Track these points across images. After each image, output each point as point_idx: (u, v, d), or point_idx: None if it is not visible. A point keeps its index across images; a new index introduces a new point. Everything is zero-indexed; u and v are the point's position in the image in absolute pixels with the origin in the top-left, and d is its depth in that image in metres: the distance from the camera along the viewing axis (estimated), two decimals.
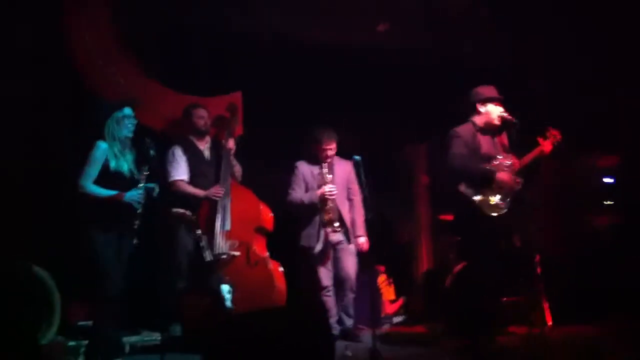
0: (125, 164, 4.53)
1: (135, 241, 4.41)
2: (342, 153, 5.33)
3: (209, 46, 5.84)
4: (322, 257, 5.15)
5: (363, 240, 5.24)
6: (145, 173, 4.50)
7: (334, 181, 5.16)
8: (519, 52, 6.46)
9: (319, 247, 5.14)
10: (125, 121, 4.56)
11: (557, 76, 6.50)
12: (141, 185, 4.46)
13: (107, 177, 4.45)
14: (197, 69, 5.77)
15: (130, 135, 4.57)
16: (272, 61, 6.05)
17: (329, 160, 5.18)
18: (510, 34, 6.35)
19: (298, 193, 5.20)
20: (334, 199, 5.13)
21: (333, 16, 6.18)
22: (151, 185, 4.52)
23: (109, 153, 4.48)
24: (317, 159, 5.21)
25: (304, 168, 5.25)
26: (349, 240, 5.20)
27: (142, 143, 4.52)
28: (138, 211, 4.42)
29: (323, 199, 5.10)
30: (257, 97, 5.70)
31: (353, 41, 6.37)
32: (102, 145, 4.49)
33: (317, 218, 5.15)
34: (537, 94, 6.53)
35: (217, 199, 4.98)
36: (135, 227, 4.41)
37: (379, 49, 6.43)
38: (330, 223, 5.09)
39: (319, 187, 5.16)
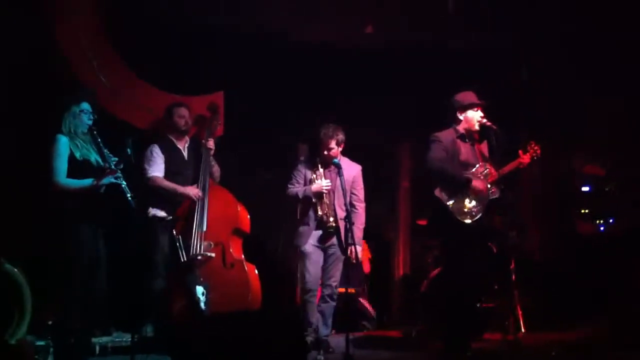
0: (90, 155, 4.53)
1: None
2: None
3: (193, 44, 5.80)
4: (311, 259, 5.04)
5: (358, 249, 4.98)
6: (114, 161, 4.48)
7: (336, 182, 5.01)
8: (506, 54, 6.47)
9: (309, 247, 5.04)
10: (83, 115, 4.54)
11: (541, 82, 6.53)
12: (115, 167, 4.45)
13: (76, 168, 4.44)
14: (182, 68, 5.73)
15: (87, 129, 4.53)
16: (256, 61, 6.03)
17: (333, 158, 5.03)
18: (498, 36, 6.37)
19: (296, 187, 5.12)
20: (329, 196, 5.03)
21: (316, 15, 6.16)
22: (119, 175, 4.48)
23: (71, 145, 4.47)
24: (322, 157, 5.10)
25: (306, 164, 5.19)
26: (341, 247, 5.04)
27: (120, 141, 4.50)
28: (123, 184, 4.41)
29: (318, 195, 5.03)
30: (240, 98, 5.68)
31: (338, 42, 6.35)
32: (62, 139, 4.47)
33: (312, 217, 5.06)
34: (520, 100, 6.55)
35: (195, 199, 4.95)
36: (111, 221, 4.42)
37: (364, 50, 6.43)
38: (323, 219, 5.01)
39: (311, 182, 5.07)
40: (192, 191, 4.99)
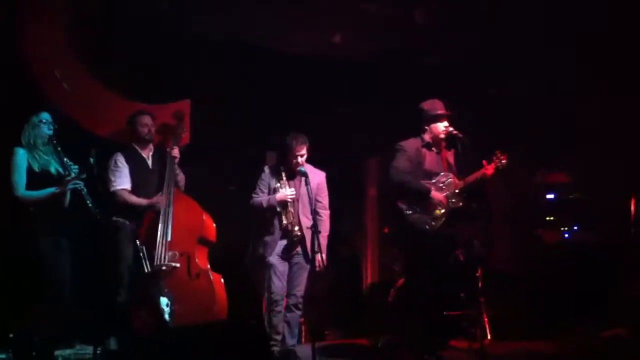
0: (50, 165, 4.48)
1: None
2: None
3: (160, 52, 5.76)
4: (276, 268, 4.99)
5: (318, 257, 4.90)
6: (75, 170, 4.44)
7: (300, 190, 5.03)
8: (473, 64, 6.54)
9: (274, 258, 4.99)
10: (42, 126, 4.49)
11: (508, 91, 6.61)
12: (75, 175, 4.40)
13: (35, 179, 4.39)
14: (148, 76, 5.68)
15: (47, 140, 4.48)
16: (225, 69, 6.01)
17: (299, 167, 5.02)
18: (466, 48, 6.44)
19: (260, 197, 5.08)
20: (293, 204, 5.00)
21: (288, 26, 6.17)
22: (79, 182, 4.43)
23: (29, 157, 4.42)
24: (288, 166, 5.07)
25: (270, 173, 5.14)
26: (306, 256, 5.03)
27: (83, 151, 4.45)
28: (84, 191, 4.37)
29: (283, 204, 5.00)
30: (207, 106, 5.65)
31: (307, 51, 6.37)
32: (20, 151, 4.42)
33: (277, 227, 5.02)
34: (490, 109, 6.62)
35: (160, 208, 4.90)
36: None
37: (334, 60, 6.45)
38: (288, 228, 4.98)
39: (275, 191, 5.03)
40: (155, 200, 4.94)
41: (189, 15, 5.86)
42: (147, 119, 5.12)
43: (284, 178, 5.05)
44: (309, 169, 5.06)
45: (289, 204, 5.00)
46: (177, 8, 5.79)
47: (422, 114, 5.00)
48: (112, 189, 4.93)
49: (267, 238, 5.04)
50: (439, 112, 4.95)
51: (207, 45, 5.98)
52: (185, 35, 5.89)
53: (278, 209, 5.00)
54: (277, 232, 5.02)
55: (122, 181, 4.96)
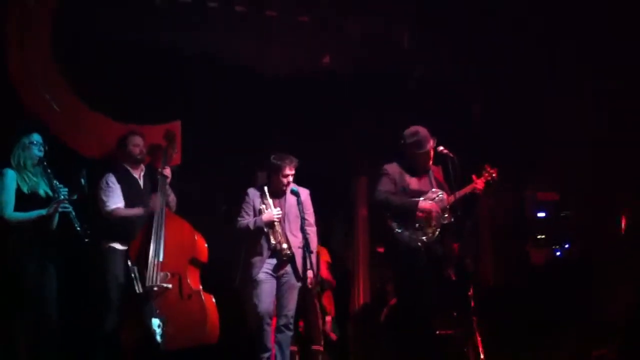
0: (39, 187, 4.45)
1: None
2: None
3: (150, 73, 5.76)
4: (265, 288, 4.97)
5: (309, 274, 5.02)
6: (65, 192, 4.41)
7: (286, 208, 5.05)
8: (463, 83, 6.59)
9: (262, 275, 4.97)
10: (32, 147, 4.47)
11: (498, 107, 6.65)
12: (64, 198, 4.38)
13: (24, 201, 4.37)
14: (138, 97, 5.69)
15: (37, 161, 4.46)
16: (213, 91, 6.03)
17: (286, 187, 5.06)
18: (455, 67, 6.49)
19: (246, 219, 5.07)
20: (280, 223, 5.00)
21: (276, 46, 6.21)
22: (68, 205, 4.40)
23: (18, 178, 4.40)
24: (275, 186, 5.08)
25: (254, 194, 5.13)
26: (296, 274, 5.02)
27: (73, 171, 4.43)
28: (72, 215, 4.35)
29: (270, 224, 4.99)
30: (197, 127, 5.65)
31: (296, 71, 6.40)
32: (9, 172, 4.40)
33: (265, 247, 5.01)
34: (477, 126, 6.66)
35: (156, 210, 4.88)
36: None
37: (324, 80, 6.49)
38: (277, 248, 4.97)
39: (260, 212, 5.03)
40: (152, 203, 4.93)
41: (175, 37, 5.89)
42: (138, 140, 5.11)
43: (269, 198, 5.05)
44: (292, 186, 5.08)
45: (275, 223, 4.99)
46: (163, 29, 5.83)
47: (406, 145, 4.92)
48: (107, 209, 4.91)
49: (255, 259, 5.03)
50: (427, 148, 4.86)
51: (195, 65, 5.99)
52: (174, 57, 5.90)
53: (265, 230, 4.99)
54: (266, 253, 5.01)
55: (115, 201, 4.94)
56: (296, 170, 5.06)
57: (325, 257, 6.31)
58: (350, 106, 6.52)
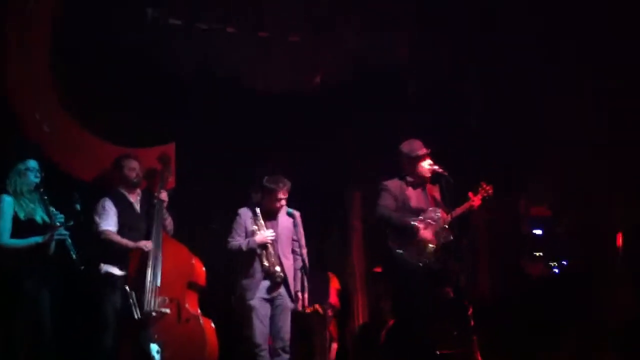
0: (36, 213, 4.44)
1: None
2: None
3: (143, 96, 5.75)
4: (258, 312, 4.95)
5: (305, 296, 4.97)
6: (61, 219, 4.39)
7: (278, 230, 5.04)
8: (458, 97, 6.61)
9: (256, 301, 4.95)
10: (29, 174, 4.46)
11: (491, 122, 6.68)
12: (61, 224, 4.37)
13: (20, 227, 4.36)
14: (130, 120, 5.66)
15: (33, 188, 4.45)
16: (207, 111, 6.01)
17: (279, 209, 5.07)
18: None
19: (237, 240, 5.05)
20: (273, 245, 4.99)
21: (269, 64, 6.21)
22: (64, 232, 4.38)
23: (15, 205, 4.39)
24: (267, 208, 5.08)
25: (245, 215, 5.11)
26: (290, 296, 5.02)
27: (68, 197, 4.41)
28: (68, 242, 4.34)
29: (263, 245, 4.97)
30: (191, 149, 5.64)
31: (288, 88, 6.40)
32: (7, 198, 4.40)
33: (257, 269, 4.99)
34: (471, 142, 6.68)
35: (145, 250, 4.85)
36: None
37: (315, 96, 6.50)
38: (270, 270, 4.95)
39: (253, 233, 5.01)
40: (142, 243, 4.89)
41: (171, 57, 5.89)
42: (134, 163, 5.09)
43: (261, 220, 5.04)
44: (285, 209, 5.09)
45: (268, 245, 4.99)
46: (158, 49, 5.82)
47: (402, 157, 5.01)
48: (98, 229, 4.87)
49: (247, 281, 5.01)
50: (420, 152, 4.96)
51: (190, 86, 5.99)
52: (170, 78, 5.89)
53: (258, 251, 4.98)
54: (259, 274, 4.99)
55: (108, 223, 4.90)
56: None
57: (335, 284, 6.31)
58: (343, 121, 6.52)
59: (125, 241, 4.89)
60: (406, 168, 5.01)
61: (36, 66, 5.39)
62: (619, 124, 5.97)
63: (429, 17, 6.22)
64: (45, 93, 5.40)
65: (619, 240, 5.77)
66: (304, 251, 5.06)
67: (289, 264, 5.02)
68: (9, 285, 4.31)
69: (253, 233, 5.01)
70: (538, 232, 6.42)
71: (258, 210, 5.06)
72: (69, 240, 4.39)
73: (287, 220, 5.06)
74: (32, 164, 4.49)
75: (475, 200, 5.00)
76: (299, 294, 4.97)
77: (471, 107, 6.62)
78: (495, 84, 6.38)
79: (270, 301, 5.00)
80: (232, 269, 5.20)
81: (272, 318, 5.00)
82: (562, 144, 6.23)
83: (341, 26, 6.22)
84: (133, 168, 5.07)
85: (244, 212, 5.13)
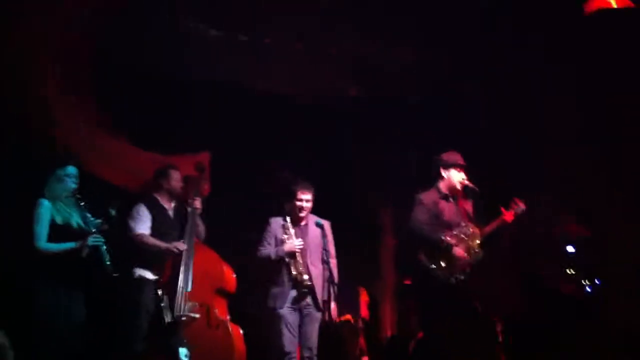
0: (72, 218, 4.52)
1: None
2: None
3: (177, 104, 5.87)
4: (287, 321, 4.97)
5: (332, 306, 4.98)
6: (97, 225, 4.48)
7: (307, 239, 5.06)
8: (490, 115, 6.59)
9: (285, 310, 4.97)
10: (67, 179, 4.54)
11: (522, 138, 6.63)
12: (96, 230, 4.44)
13: (57, 232, 4.43)
14: (165, 127, 5.79)
15: (70, 193, 4.53)
16: (242, 122, 6.11)
17: (303, 214, 5.09)
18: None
19: (267, 249, 5.09)
20: (302, 254, 5.01)
21: (305, 77, 6.28)
22: (100, 239, 4.46)
23: (53, 209, 4.47)
24: (292, 213, 5.11)
25: (276, 224, 5.16)
26: (317, 306, 5.01)
27: (105, 202, 4.51)
28: (103, 248, 4.39)
29: (291, 254, 5.00)
30: (224, 158, 5.73)
31: (325, 103, 6.46)
32: (45, 203, 4.47)
33: (286, 278, 5.02)
34: (503, 158, 6.64)
35: (177, 252, 4.91)
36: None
37: (350, 110, 6.54)
38: (298, 279, 4.97)
39: (282, 242, 5.04)
40: (176, 244, 4.94)
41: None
42: (179, 175, 5.18)
43: (291, 229, 5.08)
44: (313, 218, 5.11)
45: (297, 254, 5.01)
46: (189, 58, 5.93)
47: (439, 162, 5.08)
48: (132, 232, 4.95)
49: (276, 290, 5.04)
50: (457, 161, 5.03)
51: (224, 96, 6.09)
52: (200, 88, 6.01)
53: (286, 260, 5.01)
54: (287, 283, 5.01)
55: (142, 227, 4.98)
56: (315, 197, 5.09)
57: (365, 297, 6.34)
58: (376, 135, 6.55)
59: (158, 242, 4.95)
60: (439, 175, 5.04)
61: (76, 77, 5.53)
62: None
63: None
64: (84, 103, 5.55)
65: None
66: (333, 261, 5.07)
67: (317, 273, 5.01)
68: (40, 293, 4.37)
69: (282, 242, 5.05)
70: (570, 249, 6.33)
71: (288, 219, 5.10)
72: (104, 247, 4.46)
73: (316, 230, 5.07)
74: (71, 170, 4.58)
75: (508, 215, 4.98)
76: (331, 304, 4.96)
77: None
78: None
79: (299, 310, 5.02)
80: (262, 277, 5.25)
81: (300, 327, 5.01)
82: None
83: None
84: (179, 179, 5.17)
85: (275, 222, 5.17)
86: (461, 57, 6.20)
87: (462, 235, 4.90)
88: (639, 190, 5.76)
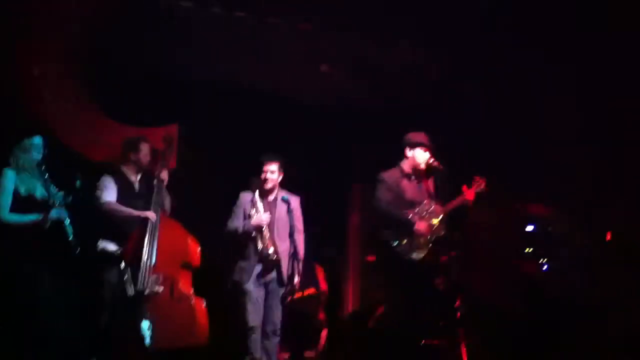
0: (36, 189, 4.50)
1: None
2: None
3: (148, 78, 5.84)
4: (252, 295, 5.02)
5: (297, 280, 5.01)
6: (60, 197, 4.47)
7: (275, 214, 5.09)
8: (456, 96, 6.65)
9: (250, 285, 5.02)
10: (33, 150, 4.53)
11: (489, 120, 6.72)
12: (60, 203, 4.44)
13: (19, 203, 4.42)
14: (135, 100, 5.76)
15: (35, 164, 4.51)
16: (213, 100, 6.11)
17: (268, 185, 5.12)
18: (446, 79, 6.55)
19: (235, 223, 5.12)
20: (269, 229, 5.05)
21: (273, 60, 6.26)
22: (63, 213, 4.45)
23: (17, 179, 4.45)
24: (260, 187, 5.13)
25: (245, 198, 5.19)
26: (281, 281, 5.06)
27: (70, 174, 4.50)
28: (67, 222, 4.40)
29: (258, 228, 5.04)
30: (193, 132, 5.73)
31: (292, 84, 6.47)
32: (9, 172, 4.45)
33: (252, 252, 5.06)
34: (469, 139, 6.72)
35: (153, 221, 4.92)
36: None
37: (316, 91, 6.56)
38: (263, 252, 5.01)
39: (250, 216, 5.07)
40: (147, 213, 4.95)
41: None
42: (148, 147, 5.17)
43: (259, 203, 5.11)
44: (282, 193, 5.14)
45: (264, 228, 5.04)
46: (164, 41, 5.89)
47: (405, 141, 5.15)
48: (99, 200, 4.93)
49: (243, 263, 5.08)
50: (421, 140, 5.09)
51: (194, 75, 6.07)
52: (172, 65, 5.99)
53: (253, 234, 5.05)
54: (253, 257, 5.06)
55: (108, 195, 4.97)
56: (285, 172, 5.15)
57: (321, 272, 6.41)
58: (343, 115, 6.59)
59: (127, 210, 4.94)
60: (404, 154, 5.13)
61: (47, 47, 5.48)
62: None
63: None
64: (54, 73, 5.51)
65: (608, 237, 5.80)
66: (300, 236, 5.11)
67: (284, 248, 5.03)
68: (7, 268, 4.37)
69: (250, 216, 5.08)
70: (530, 228, 6.45)
71: (257, 193, 5.12)
72: (68, 221, 4.47)
73: (284, 205, 5.10)
74: (37, 140, 4.55)
75: (469, 194, 5.08)
76: (294, 279, 5.00)
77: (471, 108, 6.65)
78: (495, 84, 6.41)
79: (265, 285, 5.07)
80: (228, 252, 5.29)
81: (265, 302, 5.06)
82: (562, 144, 6.26)
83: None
84: (147, 152, 5.16)
85: (244, 196, 5.20)
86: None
87: (424, 213, 4.99)
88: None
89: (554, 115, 6.26)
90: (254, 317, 5.00)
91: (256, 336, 5.00)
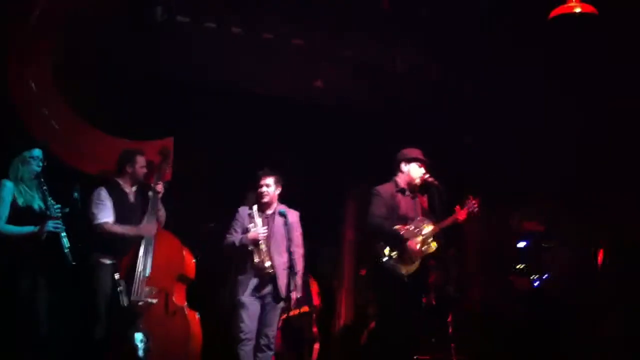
0: (34, 201, 4.54)
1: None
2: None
3: (142, 90, 5.88)
4: (247, 308, 5.00)
5: (294, 296, 4.99)
6: (57, 210, 4.49)
7: (273, 228, 5.09)
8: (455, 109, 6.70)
9: (246, 297, 5.00)
10: (32, 162, 4.57)
11: (485, 136, 6.77)
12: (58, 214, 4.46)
13: (17, 214, 4.45)
14: (130, 113, 5.79)
15: (34, 176, 4.55)
16: (208, 109, 6.13)
17: (264, 199, 5.13)
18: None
19: (233, 236, 5.12)
20: (266, 243, 5.02)
21: (268, 69, 6.31)
22: (60, 225, 4.48)
23: (15, 191, 4.49)
24: (258, 201, 5.14)
25: (244, 212, 5.19)
26: (277, 296, 5.03)
27: (68, 187, 4.53)
28: (63, 235, 4.41)
29: (255, 242, 5.03)
30: (189, 144, 5.76)
31: (288, 95, 6.50)
32: (7, 184, 4.49)
33: (249, 265, 5.05)
34: (467, 154, 6.77)
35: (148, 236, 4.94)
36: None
37: (313, 103, 6.60)
38: (259, 266, 4.99)
39: (248, 230, 5.07)
40: (144, 231, 4.97)
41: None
42: (144, 160, 5.20)
43: (257, 217, 5.12)
44: (282, 207, 5.13)
45: (261, 242, 5.04)
46: (159, 50, 5.94)
47: (399, 156, 5.17)
48: (96, 222, 4.94)
49: (241, 277, 5.07)
50: (416, 155, 5.13)
51: (185, 86, 6.11)
52: (167, 75, 6.02)
53: (250, 248, 5.05)
54: (250, 271, 5.05)
55: (105, 214, 4.98)
56: (283, 188, 5.17)
57: (315, 286, 6.44)
58: (339, 127, 6.62)
59: (124, 229, 4.96)
60: (399, 169, 5.14)
61: (38, 66, 5.49)
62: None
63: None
64: (50, 92, 5.51)
65: (600, 257, 5.83)
66: (299, 251, 5.10)
67: (281, 262, 5.02)
68: (3, 279, 4.39)
69: (247, 230, 5.09)
70: (522, 244, 6.49)
71: (255, 207, 5.13)
72: (64, 234, 4.49)
73: (281, 219, 5.09)
74: (37, 152, 4.59)
75: (461, 214, 5.07)
76: (292, 294, 5.00)
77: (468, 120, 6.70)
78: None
79: (260, 298, 5.06)
80: (227, 266, 5.29)
81: (261, 316, 5.05)
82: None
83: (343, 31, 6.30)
84: (144, 165, 5.19)
85: (243, 210, 5.21)
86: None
87: (417, 230, 5.00)
88: None
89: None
90: (247, 329, 4.98)
91: (248, 349, 4.98)
